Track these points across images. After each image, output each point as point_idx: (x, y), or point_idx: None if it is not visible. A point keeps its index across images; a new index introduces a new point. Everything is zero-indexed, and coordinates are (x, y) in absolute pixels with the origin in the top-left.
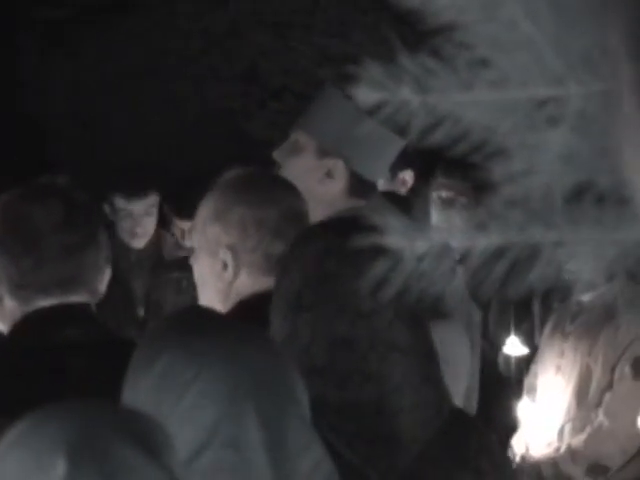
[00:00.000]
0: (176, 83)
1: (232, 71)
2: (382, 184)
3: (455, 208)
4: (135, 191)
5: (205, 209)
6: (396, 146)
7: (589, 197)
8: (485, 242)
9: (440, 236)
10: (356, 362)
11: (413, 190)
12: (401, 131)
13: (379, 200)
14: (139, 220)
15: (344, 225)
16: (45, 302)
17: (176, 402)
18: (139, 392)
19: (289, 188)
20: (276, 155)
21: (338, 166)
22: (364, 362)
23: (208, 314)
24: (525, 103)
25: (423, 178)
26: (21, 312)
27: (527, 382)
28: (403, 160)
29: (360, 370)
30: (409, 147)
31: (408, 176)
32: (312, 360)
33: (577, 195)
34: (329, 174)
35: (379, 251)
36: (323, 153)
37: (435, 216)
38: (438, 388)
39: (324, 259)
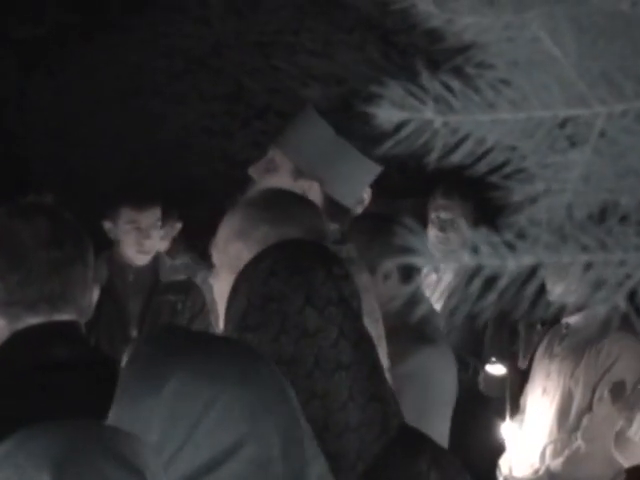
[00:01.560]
0: (159, 102)
1: (216, 90)
2: None
3: (453, 229)
4: (146, 202)
5: (227, 227)
6: (372, 172)
7: (612, 218)
8: (515, 263)
9: (470, 257)
10: (301, 380)
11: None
12: (423, 151)
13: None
14: (148, 232)
15: (293, 246)
16: (33, 320)
17: (194, 426)
18: (143, 415)
19: (310, 206)
20: (252, 171)
21: (313, 188)
22: (309, 380)
23: (188, 332)
24: (547, 123)
25: (420, 198)
26: (9, 330)
27: (522, 402)
28: None
29: (305, 388)
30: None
31: (366, 194)
32: None
33: (600, 216)
34: (303, 194)
35: (328, 271)
36: (299, 174)
37: (433, 237)
38: (385, 405)
39: (269, 279)
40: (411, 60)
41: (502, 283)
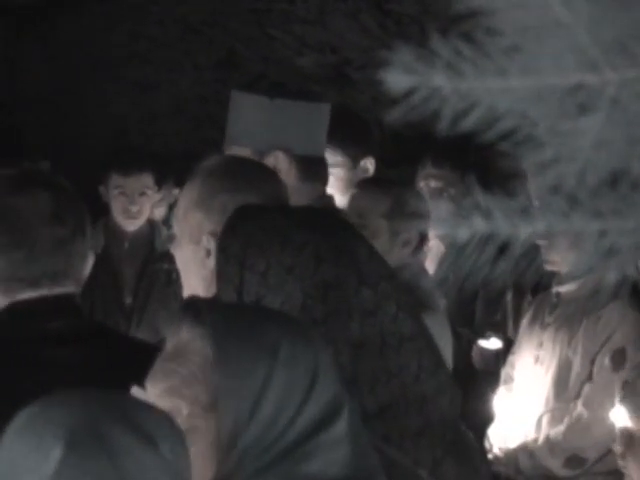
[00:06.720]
0: (152, 70)
1: (210, 58)
2: (344, 173)
3: (443, 199)
4: (132, 167)
5: (186, 197)
6: (323, 112)
7: (624, 185)
8: (528, 230)
9: (484, 224)
10: (375, 361)
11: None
12: (432, 117)
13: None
14: (133, 198)
15: (322, 225)
16: (32, 294)
17: (310, 386)
18: (257, 385)
19: (270, 174)
20: None
21: (279, 158)
22: (382, 359)
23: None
24: (558, 90)
25: (410, 167)
26: (6, 303)
27: (504, 373)
28: (364, 147)
29: (381, 368)
30: (374, 135)
31: (370, 163)
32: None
33: (611, 183)
34: (275, 169)
35: (369, 248)
36: (260, 154)
37: None
38: (449, 373)
39: (320, 266)
40: (406, 28)
41: (515, 250)
